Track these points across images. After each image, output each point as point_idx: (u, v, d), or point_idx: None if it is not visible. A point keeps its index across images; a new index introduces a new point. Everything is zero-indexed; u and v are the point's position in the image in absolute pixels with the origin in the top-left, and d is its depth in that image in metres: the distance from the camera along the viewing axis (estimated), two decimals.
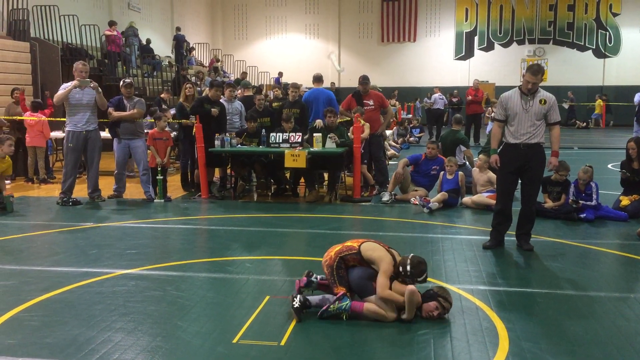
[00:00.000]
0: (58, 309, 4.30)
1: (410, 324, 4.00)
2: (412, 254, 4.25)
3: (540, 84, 5.86)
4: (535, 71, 5.80)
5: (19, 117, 10.87)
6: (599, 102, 27.52)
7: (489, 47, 29.16)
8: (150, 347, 3.66)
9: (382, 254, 4.21)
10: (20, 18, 15.15)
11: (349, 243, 4.35)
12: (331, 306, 4.09)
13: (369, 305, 4.07)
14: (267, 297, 4.53)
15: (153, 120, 9.74)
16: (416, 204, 8.20)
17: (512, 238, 6.22)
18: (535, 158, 5.90)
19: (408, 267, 4.13)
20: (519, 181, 6.14)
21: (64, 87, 8.38)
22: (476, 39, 29.22)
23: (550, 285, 4.87)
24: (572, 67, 28.36)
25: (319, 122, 9.23)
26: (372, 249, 4.25)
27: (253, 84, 17.50)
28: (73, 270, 5.24)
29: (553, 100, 5.89)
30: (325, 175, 9.75)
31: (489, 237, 6.19)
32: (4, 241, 6.43)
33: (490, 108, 17.92)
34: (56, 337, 3.78)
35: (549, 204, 7.61)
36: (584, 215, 7.35)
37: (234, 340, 3.74)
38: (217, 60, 25.21)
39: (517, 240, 6.15)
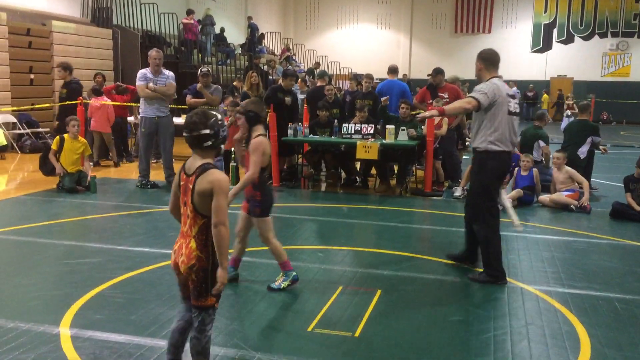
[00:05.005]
0: (140, 288, 4.49)
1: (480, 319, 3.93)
2: None
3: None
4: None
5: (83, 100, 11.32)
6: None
7: (568, 40, 27.98)
8: (228, 330, 3.76)
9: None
10: (104, 6, 15.85)
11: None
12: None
13: None
14: (340, 288, 4.56)
15: (227, 108, 9.91)
16: None
17: (602, 240, 5.97)
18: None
19: None
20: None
21: (144, 77, 8.63)
22: (555, 31, 28.09)
23: (634, 292, 4.66)
24: None
25: (385, 100, 9.06)
26: None
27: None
28: (153, 251, 5.45)
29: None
30: (395, 168, 9.66)
31: (564, 237, 5.87)
32: (89, 220, 6.77)
33: (566, 104, 17.24)
34: (140, 315, 3.95)
35: (634, 205, 7.23)
36: None
37: (309, 329, 3.79)
38: (288, 50, 25.41)
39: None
